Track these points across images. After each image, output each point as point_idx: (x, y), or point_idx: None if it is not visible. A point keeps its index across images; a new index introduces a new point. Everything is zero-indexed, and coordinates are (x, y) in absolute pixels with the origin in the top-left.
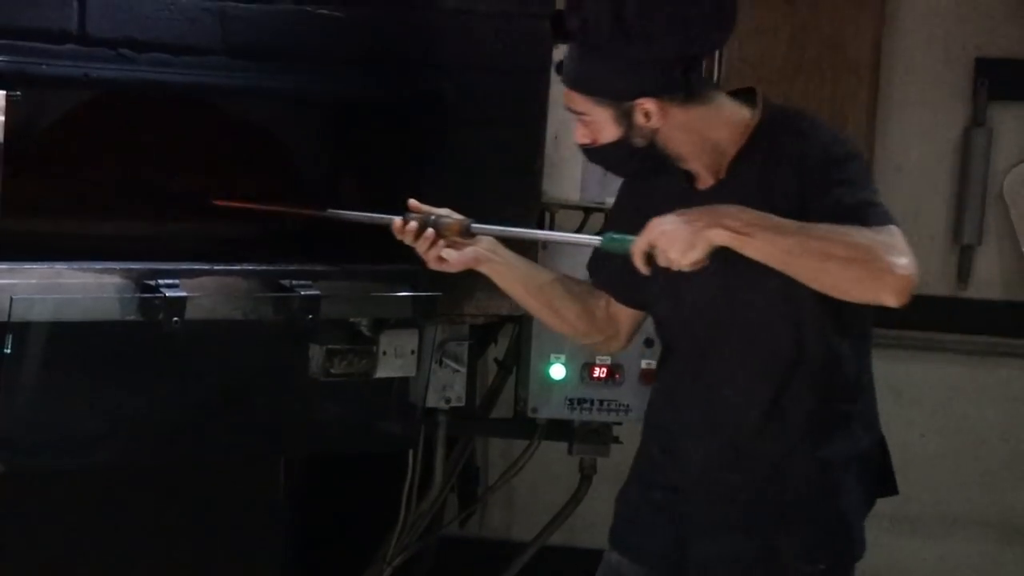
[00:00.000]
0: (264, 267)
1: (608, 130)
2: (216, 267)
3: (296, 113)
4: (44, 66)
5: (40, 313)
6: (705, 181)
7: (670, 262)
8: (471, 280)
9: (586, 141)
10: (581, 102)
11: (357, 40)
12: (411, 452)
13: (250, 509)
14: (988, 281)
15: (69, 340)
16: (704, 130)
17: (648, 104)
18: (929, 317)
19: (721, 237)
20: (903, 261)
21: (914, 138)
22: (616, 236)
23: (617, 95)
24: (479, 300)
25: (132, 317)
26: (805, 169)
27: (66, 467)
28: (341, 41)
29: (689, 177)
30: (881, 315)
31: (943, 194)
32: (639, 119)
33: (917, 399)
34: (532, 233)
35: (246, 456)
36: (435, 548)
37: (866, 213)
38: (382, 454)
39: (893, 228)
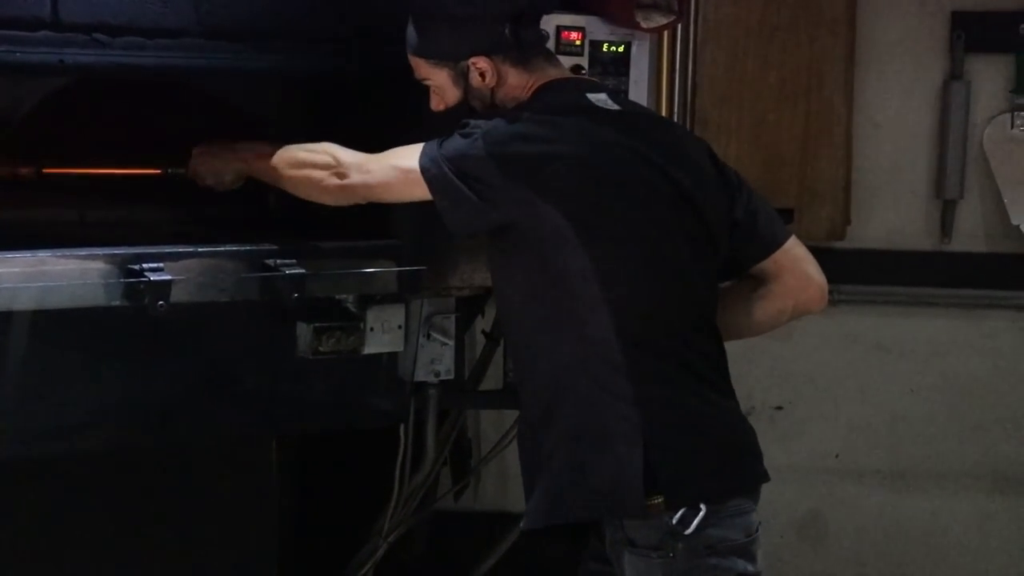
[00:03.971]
0: (248, 247)
1: (450, 93)
2: (200, 249)
3: (273, 92)
4: (18, 54)
5: (24, 302)
6: None
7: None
8: (455, 253)
9: (439, 108)
10: (422, 67)
11: (331, 17)
12: (402, 427)
13: (243, 490)
14: (971, 234)
15: (54, 328)
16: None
17: (481, 63)
18: (913, 272)
19: (243, 170)
20: (329, 167)
21: (892, 94)
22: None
23: (451, 55)
24: (464, 272)
25: (117, 302)
26: None
27: (57, 454)
28: (316, 18)
29: None
30: (865, 272)
31: (923, 149)
32: (475, 79)
33: (904, 355)
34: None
35: (237, 437)
36: (430, 522)
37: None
38: (374, 430)
39: (379, 158)
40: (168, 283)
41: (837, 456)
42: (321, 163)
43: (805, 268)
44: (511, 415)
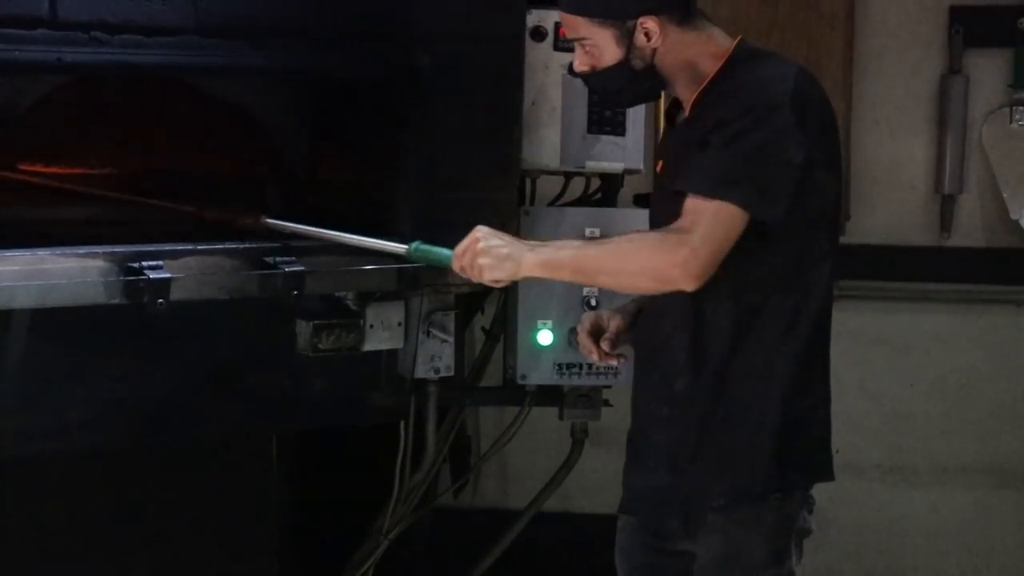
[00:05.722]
0: (247, 245)
1: (609, 52)
2: (199, 247)
3: (272, 90)
4: (17, 52)
5: (24, 300)
6: (685, 113)
7: (478, 279)
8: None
9: (585, 68)
10: (583, 26)
11: (330, 14)
12: (403, 424)
13: (244, 487)
14: (970, 229)
15: (54, 326)
16: (695, 57)
17: (649, 23)
18: (913, 267)
19: (534, 272)
20: (679, 255)
21: (891, 89)
22: (425, 246)
23: (620, 13)
24: None
25: (117, 300)
26: (715, 121)
27: (56, 453)
28: (314, 16)
29: (679, 106)
30: (865, 267)
31: (922, 144)
32: (640, 39)
33: (903, 349)
34: (330, 235)
35: (238, 435)
36: (430, 519)
37: (698, 180)
38: (374, 427)
39: (702, 206)
40: (167, 281)
41: (837, 451)
42: (662, 247)
43: None
44: (510, 412)
